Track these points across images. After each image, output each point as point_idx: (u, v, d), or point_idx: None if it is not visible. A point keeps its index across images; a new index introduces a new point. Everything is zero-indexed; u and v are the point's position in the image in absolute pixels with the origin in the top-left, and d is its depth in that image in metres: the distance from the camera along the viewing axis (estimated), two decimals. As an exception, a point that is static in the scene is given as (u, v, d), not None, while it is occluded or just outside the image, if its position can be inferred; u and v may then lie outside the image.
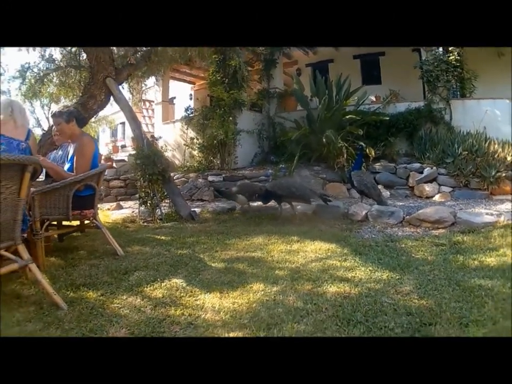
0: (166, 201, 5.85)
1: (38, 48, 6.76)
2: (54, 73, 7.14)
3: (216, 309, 2.15)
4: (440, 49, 8.25)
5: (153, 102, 13.41)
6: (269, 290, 2.41)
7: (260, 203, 5.47)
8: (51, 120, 3.89)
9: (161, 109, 11.35)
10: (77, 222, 3.69)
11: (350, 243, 3.63)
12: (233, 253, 3.44)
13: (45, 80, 7.06)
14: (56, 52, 7.07)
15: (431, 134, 7.93)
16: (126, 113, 5.90)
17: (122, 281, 2.72)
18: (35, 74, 6.89)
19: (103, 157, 11.47)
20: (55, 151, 4.26)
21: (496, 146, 6.63)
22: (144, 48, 6.73)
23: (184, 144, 9.21)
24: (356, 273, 2.70)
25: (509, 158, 6.30)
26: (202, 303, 2.26)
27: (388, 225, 4.40)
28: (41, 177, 3.47)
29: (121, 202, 7.91)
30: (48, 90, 7.35)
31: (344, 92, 8.09)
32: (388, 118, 7.85)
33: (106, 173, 9.63)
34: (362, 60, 11.43)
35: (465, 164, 6.53)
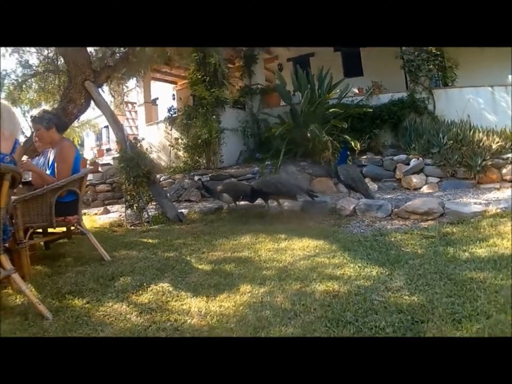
0: (153, 203, 5.77)
1: (15, 54, 6.60)
2: (32, 79, 6.98)
3: (202, 313, 2.11)
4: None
5: (135, 103, 13.21)
6: (256, 292, 2.37)
7: (246, 202, 5.42)
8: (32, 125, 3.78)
9: (144, 111, 11.22)
10: (63, 229, 3.64)
11: (339, 239, 3.60)
12: (220, 254, 3.40)
13: (24, 86, 6.90)
14: (33, 57, 6.91)
15: (415, 125, 7.92)
16: (107, 116, 5.79)
17: (108, 287, 2.68)
18: (13, 80, 6.73)
19: (88, 161, 11.34)
20: (37, 157, 4.17)
21: (480, 134, 6.66)
22: (122, 50, 6.63)
23: (169, 145, 9.11)
24: (344, 271, 2.66)
25: (494, 146, 6.34)
26: (189, 307, 2.22)
27: (377, 219, 4.37)
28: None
29: (108, 207, 7.83)
30: (27, 96, 7.19)
31: (326, 85, 8.06)
32: (371, 110, 7.82)
33: (91, 178, 9.57)
34: (343, 53, 11.43)
35: (451, 154, 6.55)
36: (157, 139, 9.95)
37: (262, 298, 2.27)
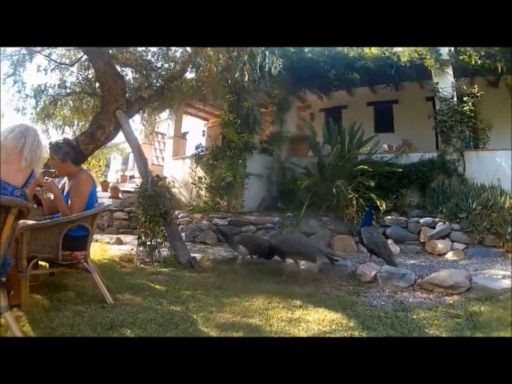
0: (166, 243, 5.63)
1: (56, 71, 6.81)
2: (68, 97, 7.14)
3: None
4: (455, 99, 8.13)
5: (165, 135, 13.41)
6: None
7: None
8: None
9: (172, 144, 11.34)
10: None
11: (357, 313, 3.32)
12: (229, 317, 3.17)
13: (59, 103, 7.06)
14: (72, 77, 7.14)
15: (444, 187, 7.67)
16: (134, 149, 5.82)
17: (104, 339, 2.52)
18: (50, 96, 6.88)
19: (110, 186, 11.42)
20: (57, 178, 4.14)
21: (511, 200, 6.35)
22: (159, 83, 6.72)
23: (192, 183, 9.11)
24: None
25: (525, 214, 6.00)
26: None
27: (398, 288, 4.09)
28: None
29: (122, 236, 7.79)
30: (62, 113, 7.35)
31: (356, 140, 7.97)
32: (401, 170, 7.66)
33: (111, 203, 9.58)
34: (375, 107, 11.47)
35: (480, 220, 6.22)
36: (181, 175, 9.97)
37: None
